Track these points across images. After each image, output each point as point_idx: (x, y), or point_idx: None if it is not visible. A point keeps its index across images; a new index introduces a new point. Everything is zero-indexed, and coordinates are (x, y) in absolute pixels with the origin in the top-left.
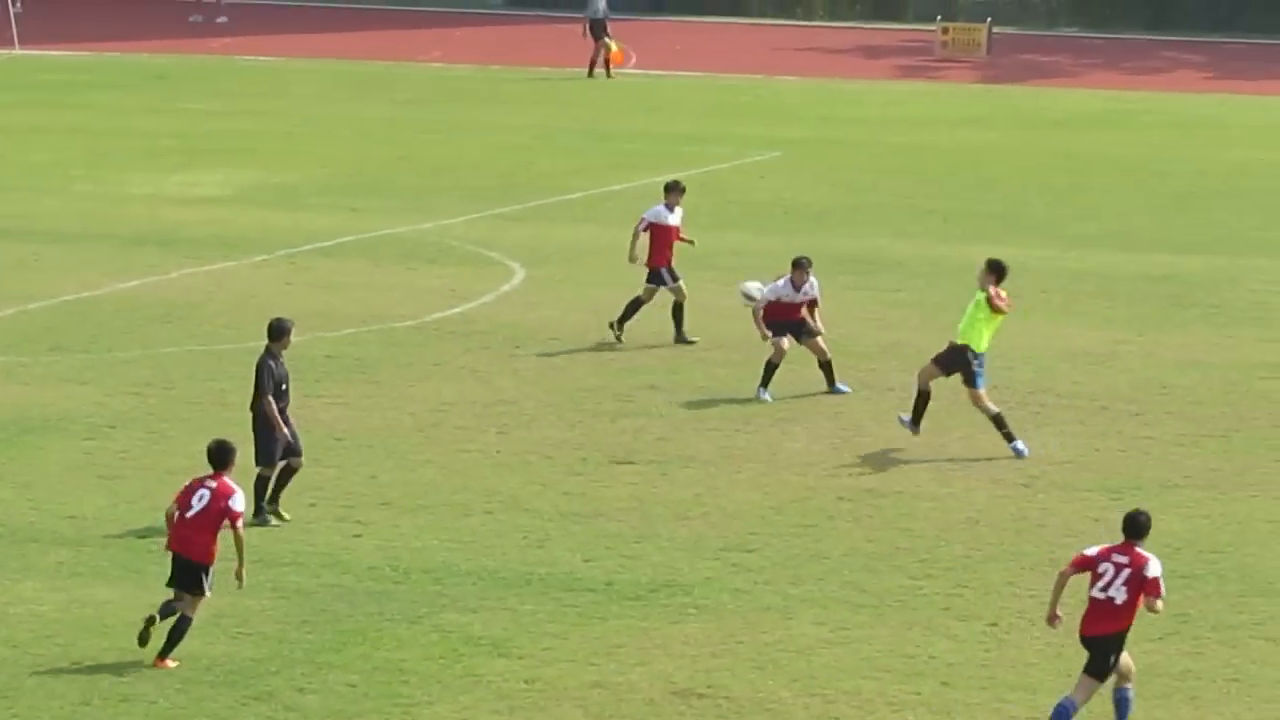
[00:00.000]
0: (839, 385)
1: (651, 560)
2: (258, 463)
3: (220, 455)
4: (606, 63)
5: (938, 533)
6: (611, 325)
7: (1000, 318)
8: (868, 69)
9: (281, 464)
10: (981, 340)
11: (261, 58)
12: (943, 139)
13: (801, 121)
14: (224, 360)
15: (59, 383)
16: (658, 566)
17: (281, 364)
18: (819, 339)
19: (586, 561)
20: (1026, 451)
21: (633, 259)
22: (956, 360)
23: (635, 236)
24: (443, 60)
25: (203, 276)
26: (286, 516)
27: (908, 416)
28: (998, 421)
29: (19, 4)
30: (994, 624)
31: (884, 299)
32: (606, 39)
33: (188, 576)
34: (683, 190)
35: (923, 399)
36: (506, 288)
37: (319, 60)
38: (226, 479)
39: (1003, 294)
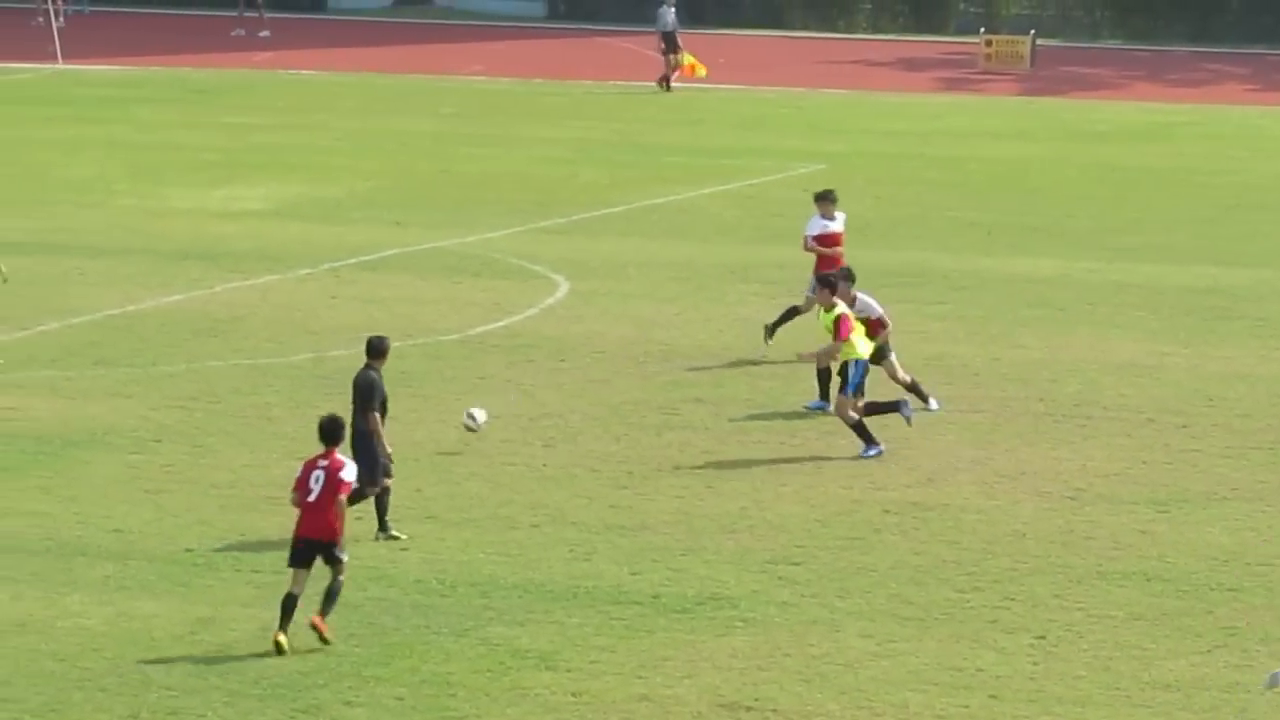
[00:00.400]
0: (930, 404)
1: (698, 573)
2: (358, 481)
3: (332, 431)
4: (666, 77)
5: (984, 545)
6: (765, 329)
7: (849, 341)
8: (910, 81)
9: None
10: (854, 350)
11: (304, 71)
12: (986, 151)
13: (844, 134)
14: (268, 374)
15: (104, 397)
16: (704, 579)
17: (381, 381)
18: (892, 359)
19: (633, 574)
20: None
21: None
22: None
23: (808, 250)
24: (485, 74)
25: (246, 290)
26: (401, 535)
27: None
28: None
29: (61, 18)
30: (1041, 637)
31: (926, 311)
32: (676, 53)
33: (322, 554)
34: (834, 200)
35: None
36: (550, 301)
37: (361, 74)
38: (338, 454)
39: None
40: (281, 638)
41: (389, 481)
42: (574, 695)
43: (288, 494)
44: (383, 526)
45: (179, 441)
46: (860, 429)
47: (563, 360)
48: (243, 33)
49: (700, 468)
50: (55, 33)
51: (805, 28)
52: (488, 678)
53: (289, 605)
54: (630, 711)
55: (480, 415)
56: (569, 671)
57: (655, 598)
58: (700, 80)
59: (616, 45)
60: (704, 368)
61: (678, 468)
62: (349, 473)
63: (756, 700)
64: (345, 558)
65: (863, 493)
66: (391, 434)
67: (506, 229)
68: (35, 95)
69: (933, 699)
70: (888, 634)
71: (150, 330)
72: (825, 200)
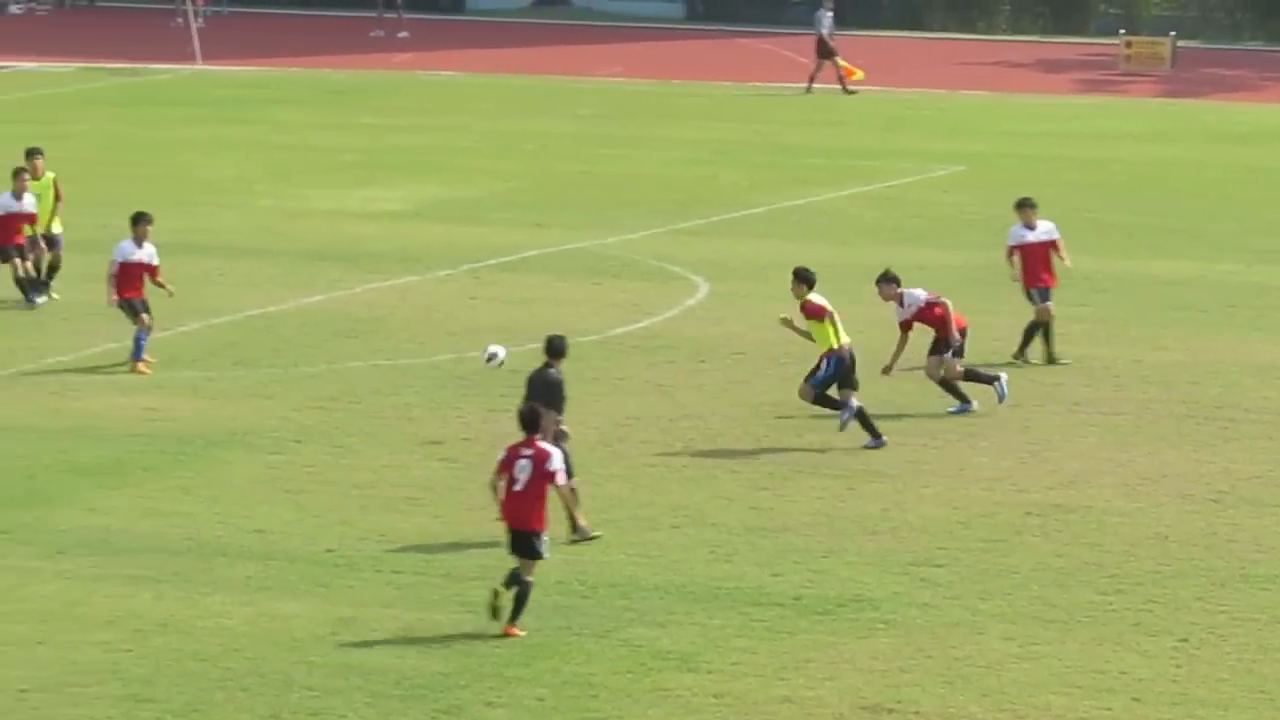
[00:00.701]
0: (971, 404)
1: (839, 575)
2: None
3: (533, 420)
4: (841, 78)
5: (1127, 548)
6: (1015, 358)
7: (824, 322)
8: (1050, 83)
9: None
10: (828, 340)
11: (443, 72)
12: (1126, 153)
13: (983, 136)
14: (408, 374)
15: (244, 397)
16: (845, 581)
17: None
18: (948, 357)
19: (774, 576)
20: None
21: (1014, 279)
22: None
23: (1009, 260)
24: (624, 75)
25: (386, 291)
26: (596, 533)
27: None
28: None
29: (201, 19)
30: (1184, 640)
31: (1068, 313)
32: (835, 57)
33: (522, 544)
34: (1034, 206)
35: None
36: (690, 302)
37: (501, 75)
38: (540, 442)
39: (812, 301)
40: (498, 601)
41: (573, 481)
42: (715, 697)
43: (487, 478)
44: (576, 528)
45: (319, 442)
46: (825, 401)
47: (703, 361)
48: (382, 34)
49: (841, 469)
50: (194, 33)
51: (945, 29)
52: (629, 679)
53: (512, 581)
54: (772, 713)
55: (498, 352)
56: (710, 673)
57: (797, 599)
58: (858, 83)
59: (755, 46)
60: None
61: (818, 469)
62: (556, 462)
63: (898, 702)
64: (546, 555)
65: (1004, 495)
66: None
67: (646, 230)
68: (175, 96)
69: (1075, 701)
70: (1030, 636)
71: (290, 331)
72: (1024, 208)
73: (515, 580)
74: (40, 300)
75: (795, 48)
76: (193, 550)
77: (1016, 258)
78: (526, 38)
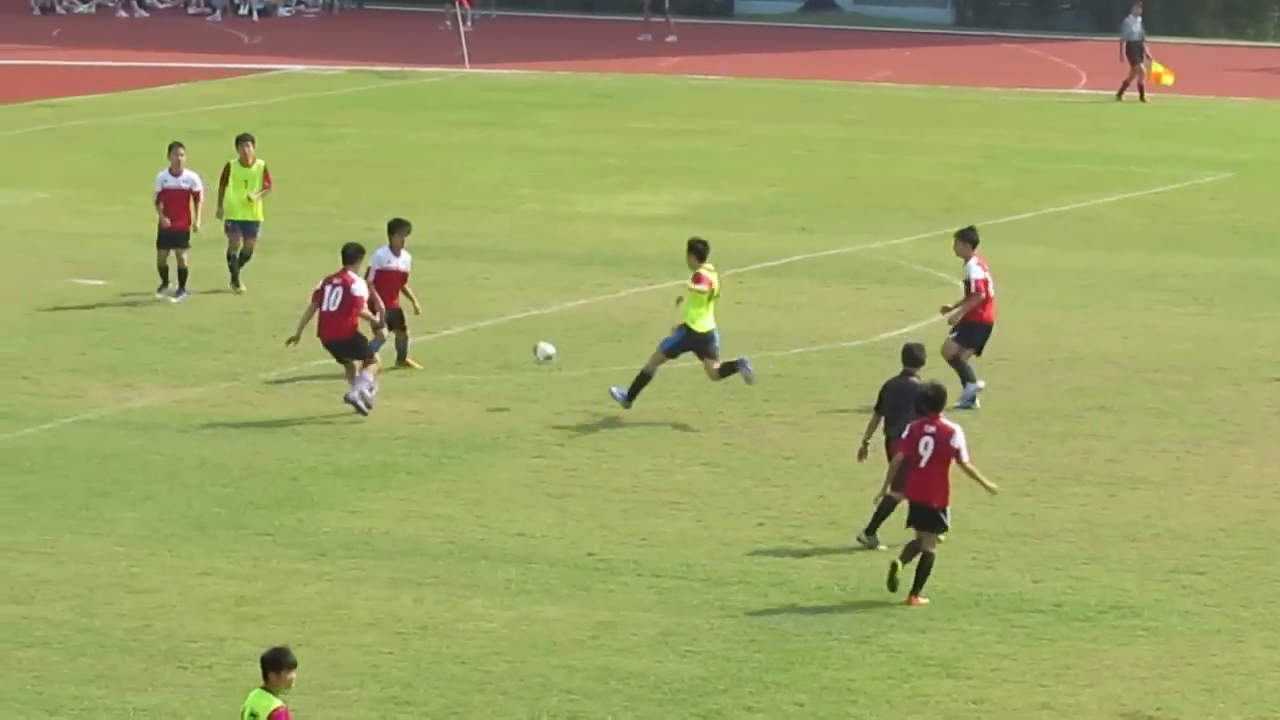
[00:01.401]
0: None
1: (1100, 582)
2: (898, 488)
3: (937, 399)
4: (1140, 86)
5: None
6: None
7: (703, 298)
8: None
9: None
10: (696, 320)
11: (710, 77)
12: None
13: (1253, 143)
14: (670, 379)
15: (507, 400)
16: (1107, 588)
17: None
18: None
19: (1035, 582)
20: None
21: None
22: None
23: None
24: (892, 80)
25: (650, 295)
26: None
27: (623, 390)
28: (725, 369)
29: (469, 23)
30: None
31: None
32: (1143, 61)
33: (926, 518)
34: None
35: (644, 379)
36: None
37: (767, 80)
38: (944, 420)
39: (703, 274)
40: (897, 574)
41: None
42: (975, 703)
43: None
44: (870, 530)
45: (582, 446)
46: (641, 382)
47: None
48: (649, 38)
49: (1103, 476)
50: (462, 37)
51: (1214, 35)
52: (888, 684)
53: (909, 552)
54: (1032, 719)
55: (548, 349)
56: (970, 679)
57: (1057, 606)
58: (1165, 89)
59: (1023, 52)
60: (1108, 375)
61: (1081, 476)
62: (959, 439)
63: (1158, 709)
64: (948, 526)
65: (1268, 502)
66: (792, 440)
67: (911, 235)
68: (442, 100)
69: None
70: None
71: (555, 334)
72: None
73: (913, 552)
74: (178, 299)
75: (1063, 53)
76: (454, 553)
77: None
78: (794, 42)
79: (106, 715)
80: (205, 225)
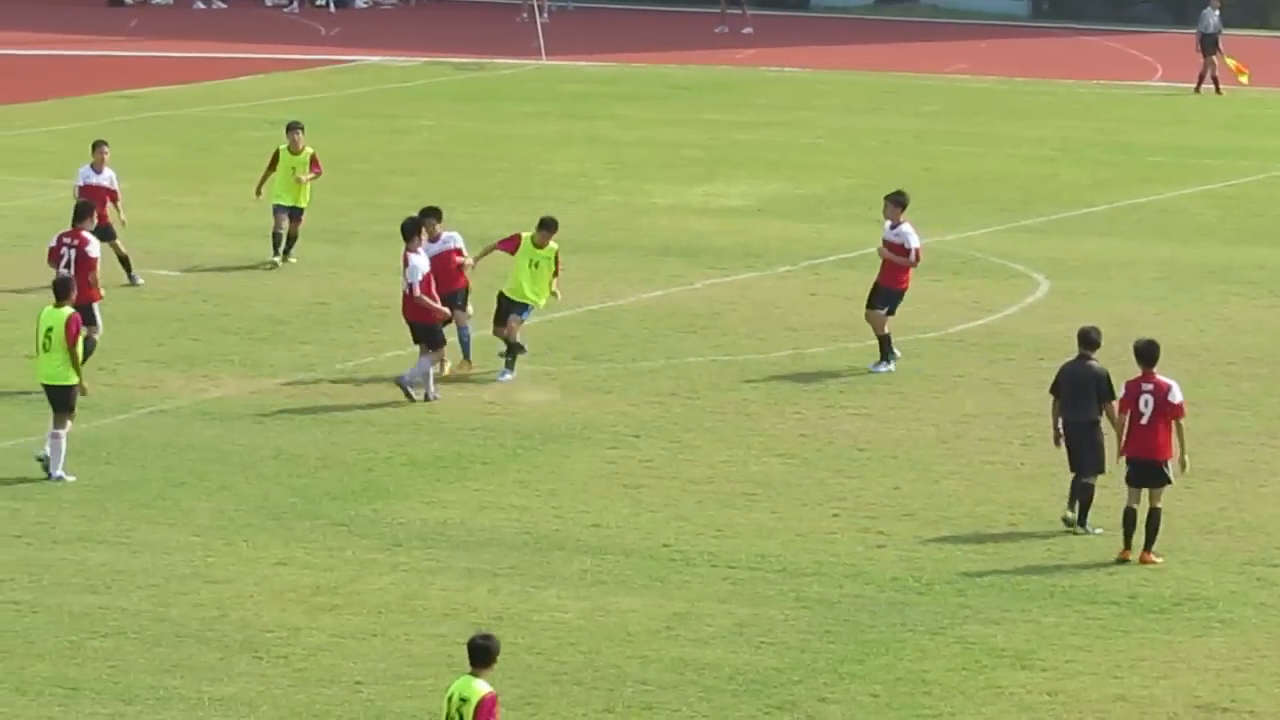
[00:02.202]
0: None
1: (1175, 574)
2: (1085, 474)
3: (1150, 354)
4: (1215, 79)
5: None
6: None
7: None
8: None
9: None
10: (521, 291)
11: (786, 69)
12: None
13: None
14: (747, 370)
15: (583, 391)
16: (1181, 580)
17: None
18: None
19: (1110, 574)
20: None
21: None
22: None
23: None
24: (968, 72)
25: (725, 287)
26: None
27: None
28: (512, 350)
29: (546, 14)
30: None
31: None
32: (1217, 55)
33: (1150, 473)
34: None
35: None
36: (1030, 299)
37: (844, 71)
38: (1159, 375)
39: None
40: (1127, 555)
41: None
42: (1049, 695)
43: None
44: (1082, 520)
45: (657, 437)
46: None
47: (1042, 359)
48: (725, 30)
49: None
50: (539, 29)
51: None
52: (963, 676)
53: (1128, 521)
54: (1106, 711)
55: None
56: (1044, 671)
57: (1132, 598)
58: (1241, 86)
59: (1101, 45)
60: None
61: None
62: (1176, 394)
63: (1233, 702)
64: (1174, 480)
65: None
66: (867, 432)
67: (987, 227)
68: (519, 91)
69: None
70: None
71: (630, 326)
72: None
73: (1130, 515)
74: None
75: (1140, 45)
76: (529, 544)
77: None
78: (870, 34)
79: (182, 705)
80: (126, 216)
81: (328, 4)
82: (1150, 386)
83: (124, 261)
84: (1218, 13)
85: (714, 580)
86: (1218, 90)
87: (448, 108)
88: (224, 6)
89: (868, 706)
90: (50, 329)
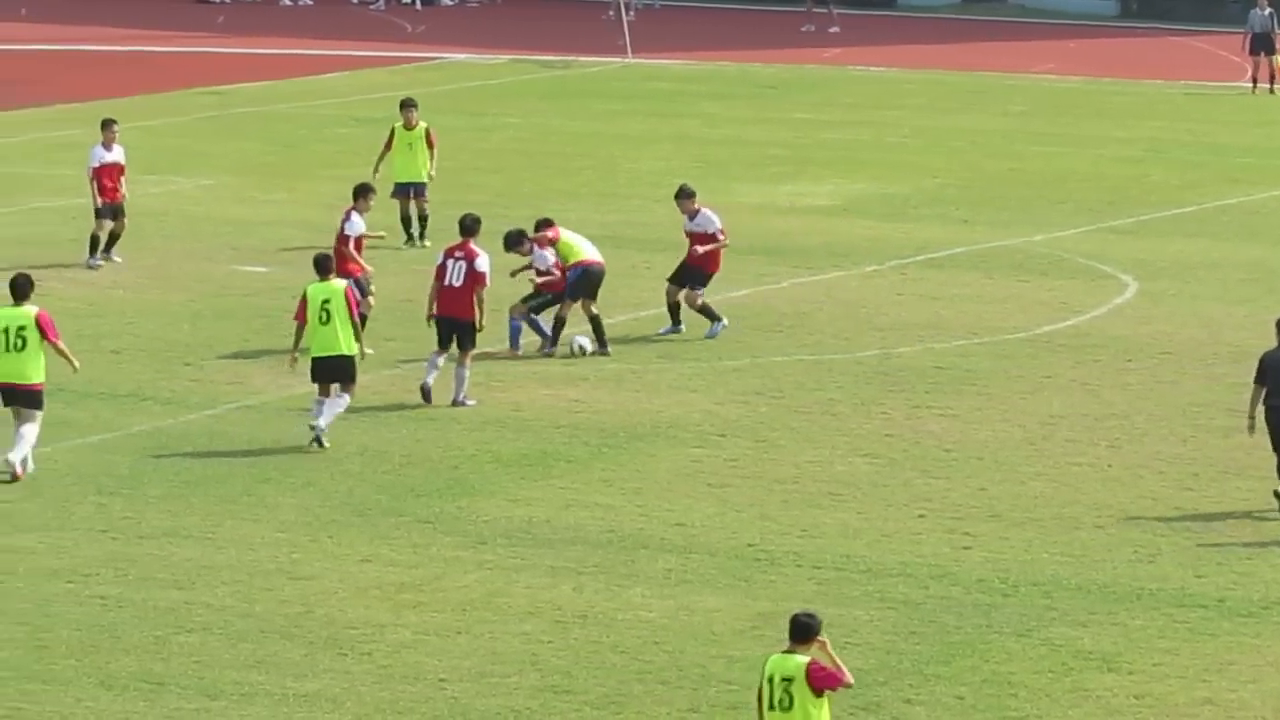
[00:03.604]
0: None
1: (1264, 577)
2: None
3: None
4: (1271, 77)
5: None
6: None
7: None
8: None
9: None
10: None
11: (873, 68)
12: None
13: None
14: (833, 369)
15: (669, 390)
16: (1270, 583)
17: None
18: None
19: (1198, 577)
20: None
21: None
22: None
23: None
24: (1055, 72)
25: (812, 286)
26: None
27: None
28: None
29: (632, 12)
30: None
31: None
32: (1268, 54)
33: None
34: None
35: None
36: (1119, 300)
37: (931, 71)
38: None
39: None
40: None
41: None
42: (1136, 698)
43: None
44: None
45: (742, 436)
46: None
47: (1129, 361)
48: (812, 29)
49: (1267, 471)
50: (625, 27)
51: None
52: (1049, 678)
53: None
54: (1194, 715)
55: (582, 342)
56: (1131, 674)
57: (1220, 601)
58: None
59: (1190, 45)
60: None
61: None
62: None
63: None
64: None
65: None
66: (953, 433)
67: (1075, 228)
68: (604, 89)
69: None
70: None
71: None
72: None
73: None
74: (98, 263)
75: (1229, 46)
76: (614, 542)
77: None
78: (957, 34)
79: (266, 701)
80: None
81: (414, 1)
82: None
83: (112, 239)
84: (1268, 11)
85: (799, 580)
86: (1272, 90)
87: (533, 105)
88: (310, 3)
89: (953, 708)
90: (327, 300)
